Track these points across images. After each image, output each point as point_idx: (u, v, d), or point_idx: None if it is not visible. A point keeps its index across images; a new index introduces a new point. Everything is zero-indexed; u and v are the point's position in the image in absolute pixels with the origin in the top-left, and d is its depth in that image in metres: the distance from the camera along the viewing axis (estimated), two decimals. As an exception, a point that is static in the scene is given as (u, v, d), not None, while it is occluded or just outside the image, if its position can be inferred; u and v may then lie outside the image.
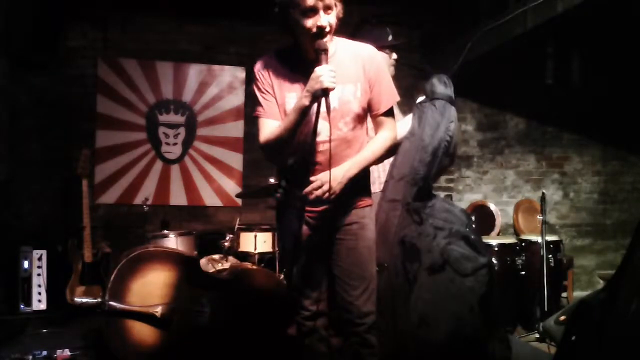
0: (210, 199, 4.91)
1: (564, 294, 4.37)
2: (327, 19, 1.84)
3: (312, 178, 1.91)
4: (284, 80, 1.98)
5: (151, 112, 4.82)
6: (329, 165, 1.88)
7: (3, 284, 3.83)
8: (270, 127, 1.96)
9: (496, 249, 3.80)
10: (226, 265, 3.39)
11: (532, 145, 5.45)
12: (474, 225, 2.59)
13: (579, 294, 4.77)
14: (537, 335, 3.52)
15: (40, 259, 3.87)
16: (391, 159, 2.55)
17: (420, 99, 2.62)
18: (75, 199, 3.93)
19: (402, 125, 2.55)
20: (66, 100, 4.60)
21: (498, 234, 5.09)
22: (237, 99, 4.95)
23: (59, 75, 4.59)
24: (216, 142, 4.93)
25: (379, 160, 2.10)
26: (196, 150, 4.91)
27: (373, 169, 2.32)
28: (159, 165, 4.84)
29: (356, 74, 1.97)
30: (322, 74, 1.79)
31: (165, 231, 4.04)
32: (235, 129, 4.96)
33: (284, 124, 1.92)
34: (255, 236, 4.02)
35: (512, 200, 5.39)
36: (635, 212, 5.52)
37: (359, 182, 2.02)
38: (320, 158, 1.96)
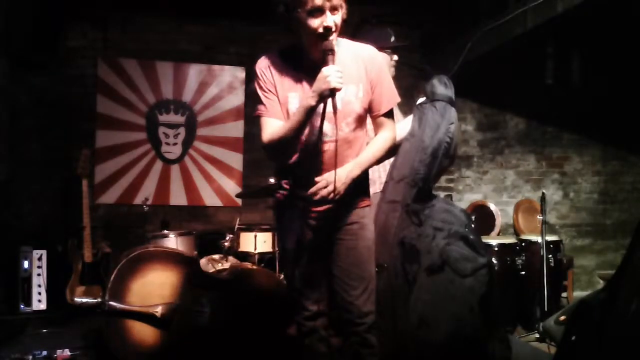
0: (210, 199, 4.91)
1: (564, 294, 4.37)
2: (333, 20, 1.84)
3: (317, 179, 1.91)
4: (287, 80, 1.97)
5: (151, 112, 4.82)
6: (334, 165, 1.89)
7: (3, 284, 3.83)
8: (273, 126, 1.95)
9: (496, 249, 3.80)
10: (226, 265, 3.39)
11: (532, 145, 5.45)
12: (473, 225, 2.59)
13: (579, 294, 4.76)
14: (537, 335, 3.52)
15: (40, 259, 3.87)
16: (391, 159, 2.55)
17: (421, 100, 2.62)
18: (75, 199, 3.93)
19: (402, 126, 2.55)
20: (66, 100, 4.60)
21: (498, 234, 5.09)
22: (237, 99, 4.95)
23: (59, 75, 4.59)
24: (216, 142, 4.93)
25: (379, 161, 2.11)
26: (196, 150, 4.91)
27: (374, 169, 2.33)
28: (159, 165, 4.84)
29: (358, 75, 1.97)
30: (330, 74, 1.79)
31: (165, 231, 4.04)
32: (235, 129, 4.96)
33: (288, 123, 1.91)
34: (255, 236, 4.02)
35: (512, 200, 5.39)
36: (635, 212, 5.52)
37: (359, 183, 2.02)
38: (323, 158, 1.96)
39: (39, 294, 3.84)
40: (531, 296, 3.75)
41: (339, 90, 1.81)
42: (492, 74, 4.72)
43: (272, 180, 3.71)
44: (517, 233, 5.13)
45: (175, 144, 4.88)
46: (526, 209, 5.28)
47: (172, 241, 3.79)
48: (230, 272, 3.16)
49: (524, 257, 3.83)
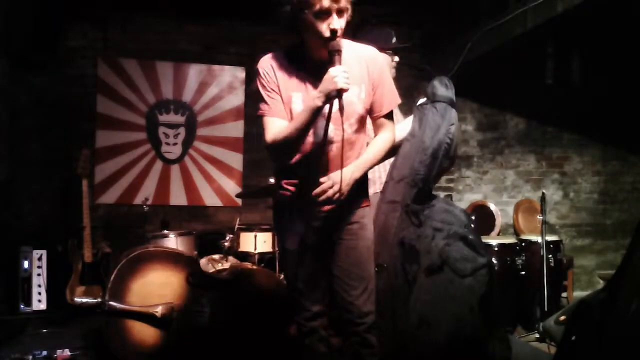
0: (210, 199, 4.91)
1: (564, 294, 4.37)
2: (340, 22, 1.84)
3: (322, 179, 1.91)
4: (290, 79, 1.96)
5: (151, 112, 4.82)
6: (339, 166, 1.90)
7: (3, 284, 3.83)
8: (277, 126, 1.94)
9: (496, 249, 3.80)
10: (226, 265, 3.39)
11: (532, 145, 5.45)
12: (473, 225, 2.59)
13: (579, 294, 4.76)
14: (537, 335, 3.52)
15: (40, 259, 3.87)
16: (392, 159, 2.55)
17: (421, 100, 2.62)
18: (75, 199, 3.93)
19: (402, 127, 2.55)
20: (66, 100, 4.60)
21: (498, 234, 5.09)
22: (237, 99, 4.95)
23: (59, 75, 4.59)
24: (216, 142, 4.93)
25: (379, 162, 2.12)
26: (196, 150, 4.91)
27: (374, 169, 2.33)
28: (159, 165, 4.84)
29: (360, 76, 1.97)
30: (337, 75, 1.78)
31: (165, 231, 4.04)
32: (235, 129, 4.96)
33: (293, 124, 1.90)
34: (255, 236, 4.02)
35: (512, 200, 5.39)
36: (635, 212, 5.53)
37: (360, 183, 2.02)
38: (328, 159, 1.96)
39: (39, 294, 3.85)
40: (531, 296, 3.75)
41: (346, 90, 1.80)
42: (492, 74, 4.72)
43: (272, 180, 3.72)
44: (517, 233, 5.13)
45: (175, 144, 4.88)
46: (526, 209, 5.28)
47: (172, 241, 3.79)
48: (230, 272, 3.16)
49: (524, 257, 3.83)
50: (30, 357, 2.93)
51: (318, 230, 2.03)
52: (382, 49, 2.39)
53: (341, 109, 1.83)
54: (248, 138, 4.92)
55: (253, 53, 4.65)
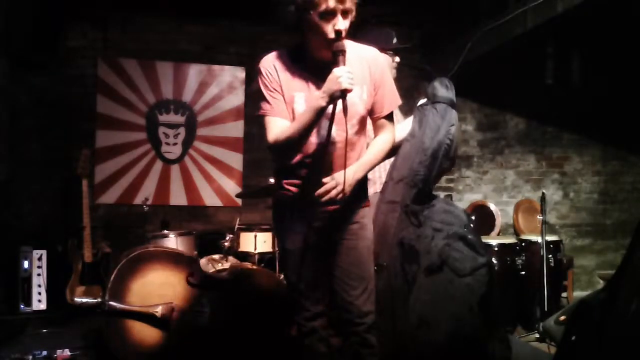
0: (210, 199, 4.91)
1: (564, 294, 4.37)
2: (344, 23, 1.84)
3: (325, 179, 1.91)
4: (292, 79, 1.96)
5: (151, 112, 4.82)
6: (342, 166, 1.90)
7: (3, 284, 3.83)
8: (279, 126, 1.94)
9: (496, 249, 3.79)
10: (226, 265, 3.39)
11: (532, 145, 5.45)
12: (472, 225, 2.59)
13: (579, 294, 4.76)
14: (537, 335, 3.52)
15: (40, 259, 3.87)
16: (391, 159, 2.55)
17: (422, 101, 2.62)
18: (75, 199, 3.93)
19: (402, 127, 2.55)
20: (66, 100, 4.60)
21: (498, 234, 5.09)
22: (237, 99, 4.95)
23: (59, 75, 4.59)
24: (216, 142, 4.93)
25: (379, 162, 2.12)
26: (196, 150, 4.91)
27: (374, 169, 2.33)
28: (159, 165, 4.84)
29: (362, 76, 1.97)
30: (341, 75, 1.78)
31: (165, 231, 4.04)
32: (235, 129, 4.96)
33: (296, 124, 1.90)
34: (255, 236, 4.02)
35: (512, 200, 5.39)
36: (635, 212, 5.53)
37: (360, 183, 2.03)
38: (330, 160, 1.96)
39: (39, 294, 3.85)
40: (531, 296, 3.75)
41: (350, 91, 1.80)
42: (492, 74, 4.72)
43: (272, 180, 3.72)
44: (517, 233, 5.13)
45: (175, 144, 4.88)
46: (526, 209, 5.28)
47: (172, 241, 3.79)
48: (230, 272, 3.16)
49: (524, 257, 3.83)
50: (30, 357, 2.93)
51: (319, 231, 2.04)
52: (382, 49, 2.39)
53: (345, 109, 1.82)
54: (248, 138, 4.92)
55: (253, 53, 4.66)
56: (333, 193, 1.89)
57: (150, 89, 4.80)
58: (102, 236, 4.34)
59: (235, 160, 4.96)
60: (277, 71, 1.96)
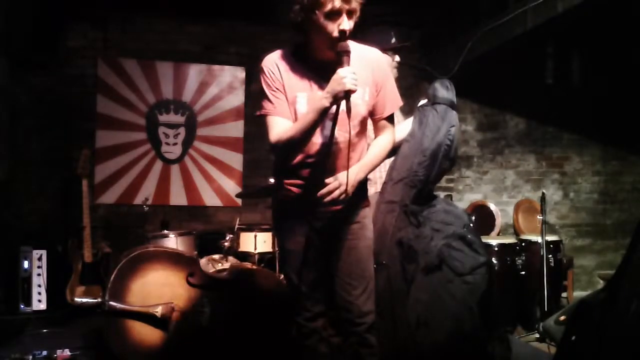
0: (210, 199, 4.91)
1: (564, 294, 4.37)
2: (349, 23, 1.84)
3: (328, 180, 1.91)
4: (295, 79, 1.95)
5: (151, 112, 4.82)
6: (345, 167, 1.90)
7: (3, 284, 3.84)
8: (282, 126, 1.93)
9: (496, 249, 3.79)
10: (226, 265, 3.39)
11: (532, 145, 5.45)
12: (471, 225, 2.59)
13: (579, 294, 4.77)
14: (537, 335, 3.52)
15: (40, 259, 3.87)
16: (391, 159, 2.55)
17: (422, 102, 2.62)
18: (75, 199, 3.94)
19: (402, 127, 2.55)
20: (66, 100, 4.60)
21: (498, 234, 5.09)
22: (237, 99, 4.95)
23: (59, 75, 4.59)
24: (216, 142, 4.93)
25: (380, 163, 2.12)
26: (196, 150, 4.91)
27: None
28: (159, 165, 4.84)
29: (365, 78, 1.96)
30: (345, 76, 1.78)
31: (165, 231, 4.03)
32: (235, 129, 4.96)
33: (299, 124, 1.89)
34: (255, 236, 4.02)
35: (512, 200, 5.39)
36: (635, 212, 5.53)
37: (361, 184, 2.03)
38: (333, 160, 1.96)
39: (39, 294, 3.85)
40: (531, 296, 3.75)
41: (354, 92, 1.80)
42: (492, 74, 4.72)
43: (272, 180, 3.72)
44: (517, 233, 5.13)
45: (175, 144, 4.88)
46: (526, 209, 5.28)
47: (172, 241, 3.78)
48: (230, 272, 3.15)
49: (524, 257, 3.83)
50: (30, 357, 2.93)
51: (320, 231, 2.04)
52: (382, 49, 2.39)
53: (348, 110, 1.82)
54: (248, 138, 4.92)
55: (253, 53, 4.66)
56: (336, 193, 1.89)
57: (150, 89, 4.80)
58: (102, 236, 4.34)
59: (235, 160, 4.96)
60: (279, 71, 1.95)
